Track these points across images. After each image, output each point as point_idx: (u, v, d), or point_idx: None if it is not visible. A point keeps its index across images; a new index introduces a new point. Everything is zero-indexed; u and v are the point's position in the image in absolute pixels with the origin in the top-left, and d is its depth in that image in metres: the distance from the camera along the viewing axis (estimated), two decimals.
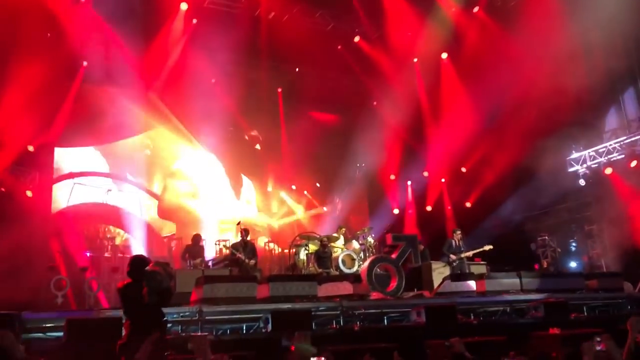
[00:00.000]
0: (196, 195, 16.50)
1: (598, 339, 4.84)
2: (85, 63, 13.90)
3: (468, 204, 17.17)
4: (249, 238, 11.60)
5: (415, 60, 17.18)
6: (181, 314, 7.80)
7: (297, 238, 13.90)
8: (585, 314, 9.98)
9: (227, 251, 12.17)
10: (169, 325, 7.33)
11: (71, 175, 14.73)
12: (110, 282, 12.09)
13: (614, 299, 10.67)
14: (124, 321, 5.62)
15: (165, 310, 5.89)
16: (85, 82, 14.02)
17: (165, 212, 15.93)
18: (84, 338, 6.43)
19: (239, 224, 11.81)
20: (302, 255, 13.02)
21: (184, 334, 7.53)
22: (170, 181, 16.38)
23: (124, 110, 14.66)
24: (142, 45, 14.29)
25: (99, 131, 14.67)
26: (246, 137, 17.30)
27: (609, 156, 15.16)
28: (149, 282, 5.39)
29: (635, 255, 13.47)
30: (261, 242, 15.94)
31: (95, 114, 14.16)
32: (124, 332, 5.56)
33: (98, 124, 14.40)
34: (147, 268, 5.65)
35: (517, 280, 10.66)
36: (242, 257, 11.05)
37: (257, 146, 17.40)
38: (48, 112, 12.78)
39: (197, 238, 11.98)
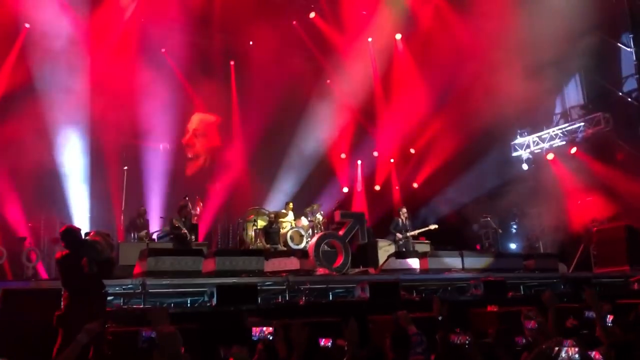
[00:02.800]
0: None
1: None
2: (27, 25, 13.20)
3: (415, 185, 17.48)
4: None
5: (370, 39, 17.19)
6: (124, 287, 7.65)
7: (247, 213, 13.77)
8: (522, 292, 10.37)
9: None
10: (110, 297, 7.21)
11: None
12: (50, 253, 11.69)
13: (549, 278, 11.13)
14: (62, 292, 5.49)
15: (107, 282, 5.78)
16: (27, 46, 13.27)
17: None
18: (20, 309, 6.19)
19: (185, 197, 11.58)
20: (250, 231, 12.95)
21: (126, 307, 7.42)
22: None
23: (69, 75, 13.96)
24: (89, 9, 13.68)
25: None
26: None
27: (551, 142, 15.77)
28: (88, 252, 5.27)
29: (571, 238, 14.13)
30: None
31: (36, 79, 13.46)
32: (62, 304, 5.43)
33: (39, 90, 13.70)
34: (88, 238, 5.54)
35: (459, 259, 10.99)
36: (185, 232, 10.71)
37: None
38: None
39: (141, 211, 11.72)
